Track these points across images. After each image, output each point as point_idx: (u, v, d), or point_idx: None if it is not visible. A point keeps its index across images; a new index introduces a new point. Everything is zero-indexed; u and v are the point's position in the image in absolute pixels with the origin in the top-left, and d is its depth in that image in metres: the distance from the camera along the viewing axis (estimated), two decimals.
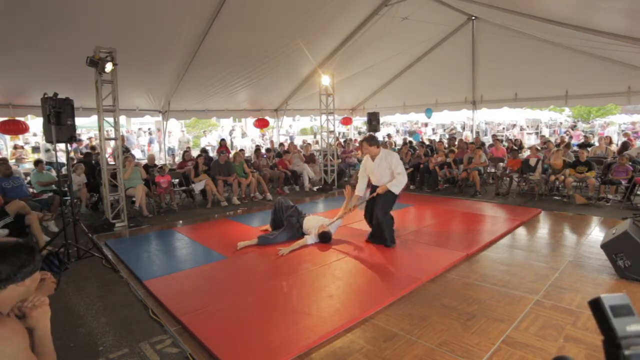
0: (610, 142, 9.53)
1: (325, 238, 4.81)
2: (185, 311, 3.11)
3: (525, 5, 6.11)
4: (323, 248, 4.69)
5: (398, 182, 4.69)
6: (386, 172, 4.77)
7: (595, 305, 0.68)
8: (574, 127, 18.34)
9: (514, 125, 21.20)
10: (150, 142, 17.17)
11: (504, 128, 21.24)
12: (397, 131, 22.97)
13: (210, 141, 16.13)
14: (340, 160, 10.27)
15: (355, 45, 9.05)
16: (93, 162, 8.06)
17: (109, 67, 5.50)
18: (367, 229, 5.47)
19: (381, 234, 4.74)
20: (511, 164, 8.11)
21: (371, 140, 4.86)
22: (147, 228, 6.04)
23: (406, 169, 9.48)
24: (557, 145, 8.91)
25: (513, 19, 7.22)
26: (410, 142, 12.57)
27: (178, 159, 10.87)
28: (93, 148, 10.39)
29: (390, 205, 4.82)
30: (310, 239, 4.84)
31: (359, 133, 21.27)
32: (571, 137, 14.58)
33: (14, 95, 7.64)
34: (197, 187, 7.80)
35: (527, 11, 6.21)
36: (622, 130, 15.86)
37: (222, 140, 11.79)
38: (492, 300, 3.19)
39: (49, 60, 6.56)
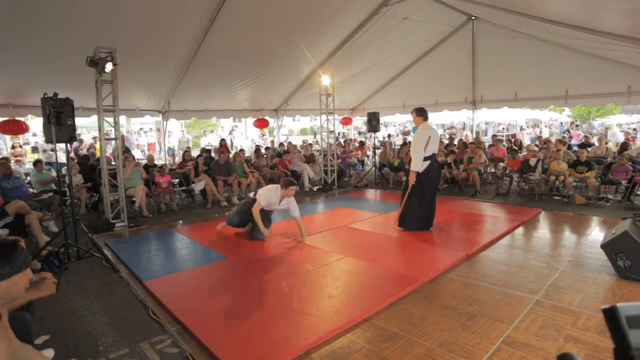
0: (606, 142, 9.53)
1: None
2: (185, 311, 3.11)
3: (525, 5, 6.11)
4: (323, 248, 4.69)
5: (412, 161, 5.10)
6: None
7: (610, 314, 0.66)
8: (577, 126, 18.24)
9: (536, 126, 21.07)
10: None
11: (504, 128, 21.22)
12: (401, 131, 22.95)
13: (210, 141, 16.15)
14: (340, 160, 10.27)
15: (355, 45, 9.05)
16: (90, 163, 8.05)
17: (109, 67, 5.50)
18: (366, 229, 5.48)
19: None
20: (511, 164, 8.11)
21: (417, 110, 5.27)
22: (147, 228, 6.03)
23: (406, 169, 9.51)
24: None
25: (513, 19, 7.22)
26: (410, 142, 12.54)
27: (178, 159, 10.87)
28: (93, 155, 10.33)
29: (410, 192, 5.18)
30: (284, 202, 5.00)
31: (359, 133, 21.30)
32: (571, 137, 14.57)
33: (14, 95, 7.64)
34: (197, 187, 7.80)
35: (527, 11, 6.21)
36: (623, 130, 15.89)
37: (222, 140, 11.80)
38: (492, 300, 3.19)
39: (49, 60, 6.56)
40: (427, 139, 5.02)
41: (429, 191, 5.19)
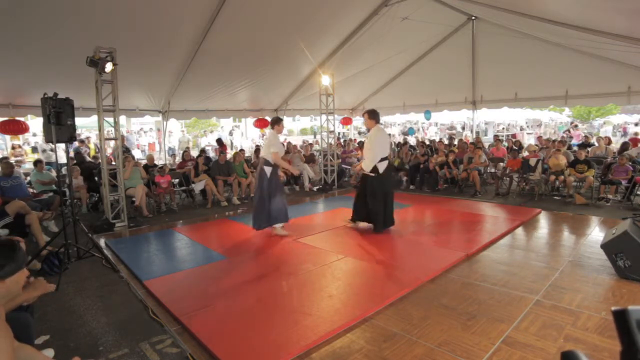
0: (609, 142, 9.53)
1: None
2: (185, 311, 3.11)
3: (525, 5, 6.11)
4: (323, 248, 4.69)
5: (365, 161, 5.27)
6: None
7: (621, 316, 0.65)
8: (575, 126, 18.27)
9: (539, 125, 21.07)
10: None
11: (504, 128, 21.21)
12: (400, 131, 22.94)
13: (210, 141, 16.17)
14: (340, 160, 10.27)
15: (355, 45, 9.04)
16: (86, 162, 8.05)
17: (109, 67, 5.50)
18: (366, 229, 5.48)
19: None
20: (511, 164, 8.10)
21: (369, 112, 5.36)
22: (147, 228, 6.03)
23: (406, 169, 9.51)
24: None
25: (513, 19, 7.21)
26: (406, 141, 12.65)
27: (178, 159, 10.87)
28: (95, 158, 10.32)
29: (370, 193, 5.25)
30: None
31: (359, 133, 21.30)
32: (571, 137, 14.57)
33: (14, 95, 7.63)
34: (197, 187, 7.80)
35: (527, 11, 6.21)
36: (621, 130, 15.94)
37: (218, 139, 11.78)
38: (492, 300, 3.19)
39: (49, 60, 6.55)
40: (382, 141, 5.21)
41: (389, 191, 5.34)
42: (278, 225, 5.23)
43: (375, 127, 5.27)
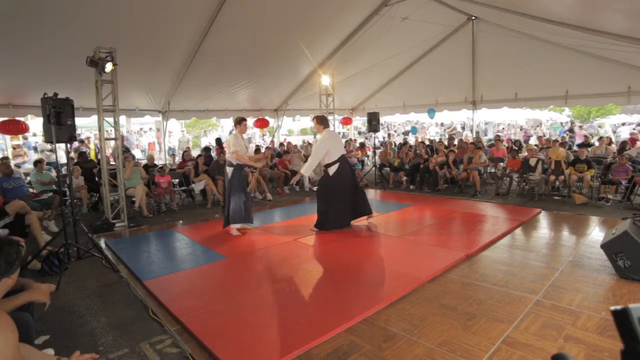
0: (610, 142, 9.53)
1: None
2: (185, 311, 3.11)
3: (525, 5, 6.11)
4: (323, 248, 4.69)
5: (306, 163, 5.45)
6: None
7: (622, 315, 0.63)
8: (579, 127, 18.20)
9: (539, 125, 21.01)
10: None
11: (503, 128, 21.19)
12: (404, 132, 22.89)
13: (211, 141, 16.18)
14: None
15: (355, 45, 9.05)
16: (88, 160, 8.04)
17: (109, 67, 5.50)
18: (366, 229, 5.49)
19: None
20: (511, 164, 8.10)
21: (317, 118, 5.49)
22: (147, 228, 6.03)
23: (406, 170, 9.50)
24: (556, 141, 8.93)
25: (513, 19, 7.22)
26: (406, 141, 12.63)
27: (178, 159, 10.87)
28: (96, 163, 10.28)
29: (321, 196, 5.46)
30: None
31: (359, 133, 21.31)
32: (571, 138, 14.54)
33: (14, 95, 7.64)
34: (197, 187, 7.80)
35: (527, 11, 6.21)
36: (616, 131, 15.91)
37: (218, 139, 11.79)
38: (492, 300, 3.19)
39: (49, 60, 6.56)
40: (328, 146, 5.28)
41: (345, 192, 5.40)
42: (235, 226, 5.36)
43: (324, 132, 5.39)
